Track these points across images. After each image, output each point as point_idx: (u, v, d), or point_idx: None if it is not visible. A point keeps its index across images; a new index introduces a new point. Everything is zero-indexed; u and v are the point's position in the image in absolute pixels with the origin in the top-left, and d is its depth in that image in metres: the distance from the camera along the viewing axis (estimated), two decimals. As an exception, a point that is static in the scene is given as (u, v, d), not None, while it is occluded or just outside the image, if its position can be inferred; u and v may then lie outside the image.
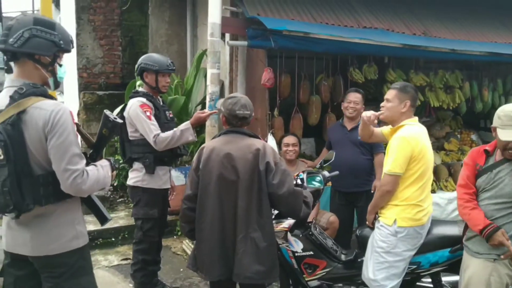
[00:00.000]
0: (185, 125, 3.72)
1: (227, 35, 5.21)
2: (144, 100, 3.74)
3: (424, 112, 6.83)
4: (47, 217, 2.23)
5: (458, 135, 7.18)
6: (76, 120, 2.33)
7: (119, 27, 7.30)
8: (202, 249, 2.89)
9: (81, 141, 2.42)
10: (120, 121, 2.44)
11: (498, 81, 6.79)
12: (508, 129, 2.66)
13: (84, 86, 7.19)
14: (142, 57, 3.95)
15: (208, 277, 2.92)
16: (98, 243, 5.14)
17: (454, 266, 3.23)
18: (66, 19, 8.29)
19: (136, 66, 3.92)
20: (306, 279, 3.50)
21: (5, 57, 2.24)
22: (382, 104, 3.31)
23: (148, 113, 3.65)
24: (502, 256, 2.69)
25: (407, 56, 5.65)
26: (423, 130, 3.23)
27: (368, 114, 3.32)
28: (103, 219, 2.48)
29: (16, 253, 2.28)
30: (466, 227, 2.94)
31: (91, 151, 2.42)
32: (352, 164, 4.26)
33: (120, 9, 7.28)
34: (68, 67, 8.42)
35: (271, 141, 5.01)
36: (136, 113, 3.64)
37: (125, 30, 7.35)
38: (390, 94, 3.25)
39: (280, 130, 5.32)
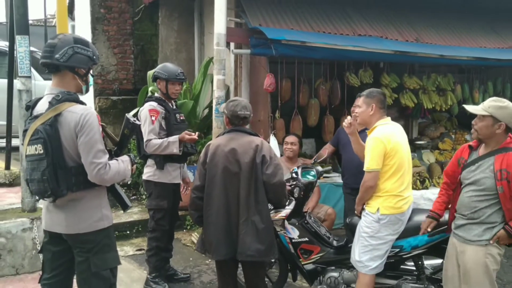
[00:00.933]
0: (174, 138, 4.13)
1: (232, 44, 5.65)
2: (155, 104, 4.17)
3: (419, 114, 7.22)
4: (78, 202, 2.67)
5: (453, 135, 7.55)
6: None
7: (131, 37, 7.77)
8: (210, 232, 3.31)
9: (106, 140, 2.86)
10: (139, 122, 2.88)
11: (488, 83, 7.17)
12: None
13: (99, 92, 7.67)
14: (159, 65, 4.40)
15: (215, 256, 3.34)
16: (115, 235, 5.57)
17: (432, 249, 3.64)
18: (81, 29, 8.78)
19: (152, 75, 4.37)
20: (302, 263, 3.91)
21: (46, 69, 2.71)
22: (355, 111, 3.73)
23: (153, 118, 4.09)
24: (491, 241, 3.01)
25: (399, 61, 6.06)
26: (396, 129, 3.62)
27: (346, 121, 3.72)
28: (124, 206, 2.94)
29: (53, 232, 2.74)
30: (452, 216, 3.29)
31: (115, 148, 2.87)
32: (360, 162, 4.63)
33: (132, 20, 7.75)
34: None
35: (273, 141, 5.43)
36: (145, 115, 4.10)
37: (136, 39, 7.81)
38: (358, 101, 3.67)
39: (281, 131, 5.74)
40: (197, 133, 4.26)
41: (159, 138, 4.10)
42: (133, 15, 7.75)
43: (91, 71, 2.81)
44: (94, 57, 2.74)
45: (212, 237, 3.30)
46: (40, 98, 2.73)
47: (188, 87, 6.34)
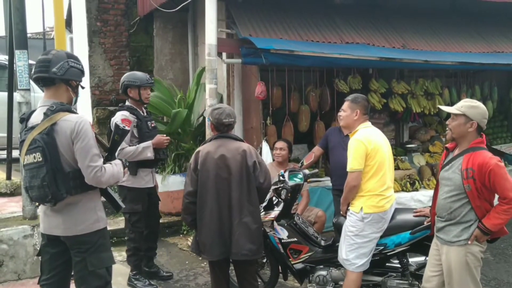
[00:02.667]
0: (147, 143, 4.35)
1: (224, 54, 5.85)
2: (126, 114, 4.32)
3: (409, 118, 7.39)
4: (74, 205, 2.86)
5: (443, 138, 7.71)
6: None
7: (127, 48, 7.97)
8: (203, 234, 3.49)
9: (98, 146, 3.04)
10: (128, 129, 3.08)
11: (476, 87, 7.34)
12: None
13: (96, 103, 7.85)
14: (125, 75, 4.53)
15: (210, 257, 3.53)
16: (113, 241, 5.71)
17: (415, 246, 3.81)
18: (79, 41, 9.01)
19: (120, 85, 4.48)
20: (292, 263, 4.07)
21: (40, 83, 2.91)
22: (339, 114, 3.92)
23: (125, 128, 4.25)
24: (469, 242, 3.14)
25: (385, 67, 6.26)
26: (376, 132, 3.81)
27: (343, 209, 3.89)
28: (117, 207, 3.13)
29: (51, 235, 2.92)
30: (434, 219, 3.40)
31: (106, 153, 3.06)
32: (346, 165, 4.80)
33: (128, 32, 7.95)
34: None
35: (265, 147, 5.62)
36: (116, 124, 4.28)
37: (132, 50, 8.01)
38: (344, 105, 3.86)
39: (273, 137, 5.91)
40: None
41: (131, 146, 4.29)
42: (129, 27, 7.96)
43: (81, 83, 3.02)
44: (83, 70, 2.99)
45: (206, 239, 3.48)
46: (34, 111, 2.93)
47: (182, 96, 6.53)
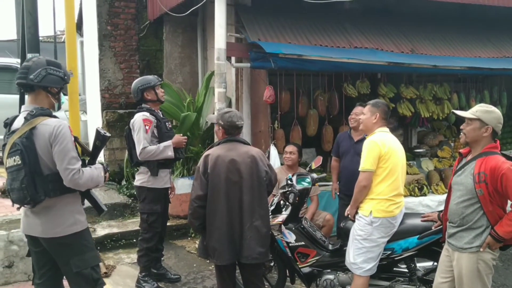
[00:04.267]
0: (167, 143, 4.45)
1: (233, 58, 5.88)
2: (147, 115, 4.44)
3: (417, 123, 7.38)
4: (52, 208, 2.92)
5: (452, 143, 7.70)
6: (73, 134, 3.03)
7: (137, 52, 8.04)
8: (213, 238, 3.49)
9: (81, 150, 3.10)
10: (108, 135, 3.14)
11: (485, 92, 7.31)
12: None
13: (106, 106, 7.92)
14: (136, 82, 4.60)
15: (219, 261, 3.52)
16: (122, 243, 5.79)
17: (423, 251, 3.81)
18: (89, 45, 9.09)
19: (135, 91, 4.54)
20: (300, 266, 4.09)
21: (22, 89, 3.01)
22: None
23: (147, 127, 4.36)
24: (481, 249, 3.11)
25: (393, 72, 6.26)
26: (393, 138, 3.84)
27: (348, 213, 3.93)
28: (99, 210, 3.18)
29: (30, 235, 3.00)
30: (446, 225, 3.37)
31: (89, 158, 3.12)
32: (355, 171, 4.82)
33: (138, 36, 8.03)
34: (92, 89, 9.20)
35: (273, 151, 5.65)
36: (139, 125, 4.35)
37: (142, 54, 8.08)
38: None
39: (281, 141, 5.94)
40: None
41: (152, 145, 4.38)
42: (139, 31, 8.03)
43: (62, 90, 3.08)
44: (66, 77, 3.02)
45: (216, 243, 3.48)
46: (17, 116, 3.01)
47: (191, 100, 6.57)
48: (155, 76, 4.68)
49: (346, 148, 5.02)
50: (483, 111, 3.19)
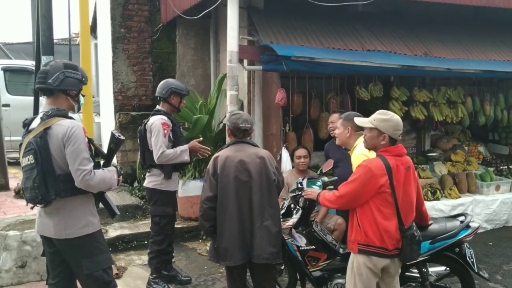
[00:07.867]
0: (184, 147, 4.46)
1: (245, 61, 5.89)
2: (165, 118, 4.44)
3: (431, 126, 7.32)
4: (64, 209, 2.93)
5: (466, 147, 7.61)
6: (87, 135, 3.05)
7: (150, 55, 8.10)
8: (225, 239, 3.49)
9: (95, 153, 3.11)
10: (123, 138, 3.14)
11: (499, 95, 7.22)
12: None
13: (119, 108, 7.98)
14: (171, 81, 4.64)
15: (232, 262, 3.51)
16: (133, 245, 5.82)
17: (435, 256, 3.76)
18: (103, 47, 9.18)
19: (166, 89, 4.53)
20: (310, 270, 4.05)
21: (41, 93, 3.04)
22: (335, 131, 4.05)
23: (165, 131, 4.37)
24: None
25: (406, 75, 6.21)
26: None
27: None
28: (112, 214, 3.20)
29: (44, 235, 3.03)
30: None
31: (103, 161, 3.13)
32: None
33: (151, 39, 8.09)
34: (105, 91, 9.26)
35: (285, 154, 5.64)
36: (158, 128, 4.34)
37: (155, 57, 8.13)
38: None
39: (293, 143, 5.92)
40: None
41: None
42: (152, 34, 8.08)
43: (81, 92, 3.11)
44: (83, 79, 3.04)
45: (227, 244, 3.48)
46: (35, 116, 3.05)
47: (204, 102, 6.59)
48: (187, 87, 4.79)
49: (338, 158, 4.93)
50: (380, 120, 3.22)
